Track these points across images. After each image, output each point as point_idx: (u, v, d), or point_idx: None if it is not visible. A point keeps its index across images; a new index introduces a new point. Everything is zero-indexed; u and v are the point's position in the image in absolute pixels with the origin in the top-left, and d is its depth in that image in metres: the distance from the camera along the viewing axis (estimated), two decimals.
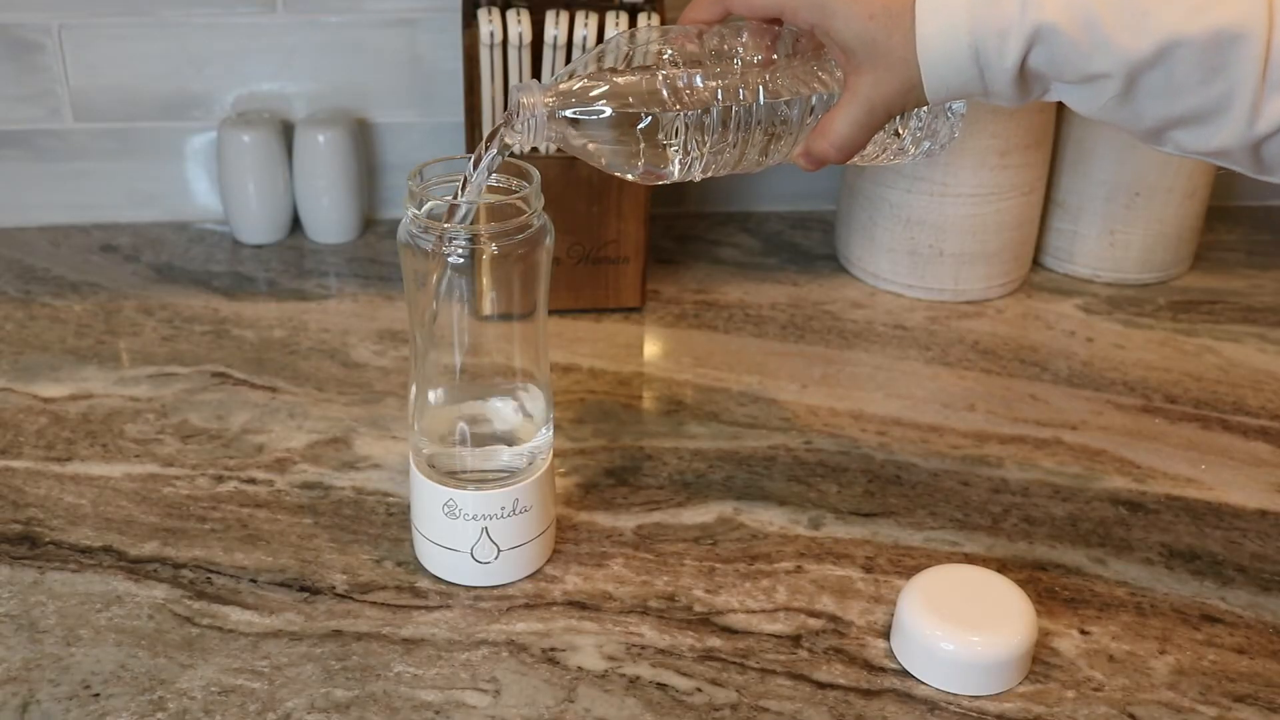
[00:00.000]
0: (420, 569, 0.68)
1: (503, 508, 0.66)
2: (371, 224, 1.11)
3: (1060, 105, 1.00)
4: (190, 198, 1.10)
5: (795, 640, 0.64)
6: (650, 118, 0.59)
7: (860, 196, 1.02)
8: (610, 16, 0.90)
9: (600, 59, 0.61)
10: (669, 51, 0.60)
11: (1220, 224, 1.16)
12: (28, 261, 1.03)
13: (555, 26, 0.89)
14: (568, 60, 0.90)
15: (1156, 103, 0.56)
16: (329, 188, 1.06)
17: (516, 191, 0.65)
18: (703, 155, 0.61)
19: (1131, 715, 0.61)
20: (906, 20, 0.57)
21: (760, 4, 0.61)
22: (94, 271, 1.01)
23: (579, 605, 0.66)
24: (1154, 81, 0.55)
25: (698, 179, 0.63)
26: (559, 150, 0.92)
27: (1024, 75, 0.57)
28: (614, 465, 0.78)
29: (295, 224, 1.09)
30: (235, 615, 0.65)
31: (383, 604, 0.66)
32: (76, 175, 1.08)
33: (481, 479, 0.66)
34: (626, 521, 0.73)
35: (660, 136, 0.60)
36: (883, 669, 0.63)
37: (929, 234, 0.99)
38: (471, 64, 0.91)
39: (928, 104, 0.60)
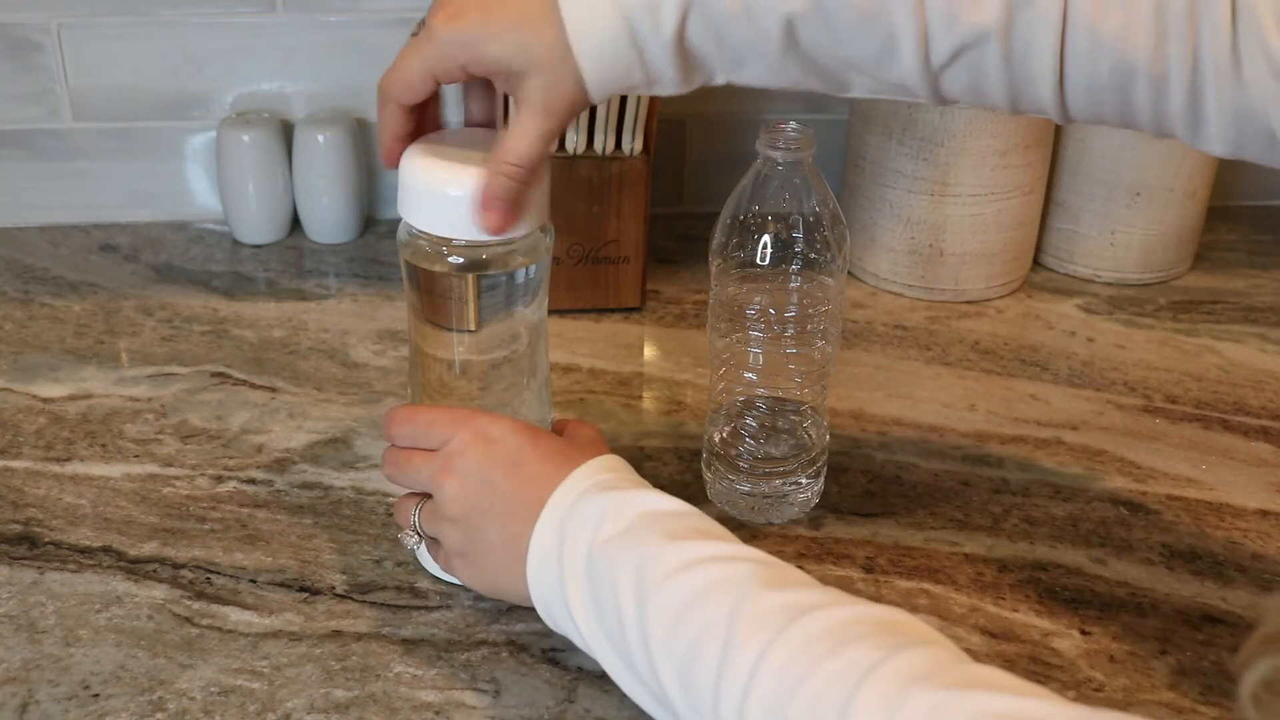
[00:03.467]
0: (420, 569, 0.68)
1: None
2: (371, 224, 1.11)
3: None
4: (190, 197, 1.10)
5: None
6: None
7: (860, 196, 1.02)
8: None
9: None
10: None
11: (1221, 224, 1.16)
12: (27, 261, 1.03)
13: None
14: None
15: (823, 50, 0.56)
16: (329, 188, 1.06)
17: None
18: None
19: None
20: (554, 15, 0.56)
21: (414, 83, 0.59)
22: (93, 271, 1.01)
23: None
24: (815, 31, 0.55)
25: None
26: (559, 150, 0.92)
27: (684, 49, 0.56)
28: None
29: (295, 224, 1.09)
30: (235, 615, 0.65)
31: (382, 604, 0.66)
32: (76, 175, 1.07)
33: None
34: None
35: None
36: None
37: (929, 234, 0.99)
38: None
39: (593, 100, 0.58)
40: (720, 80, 0.59)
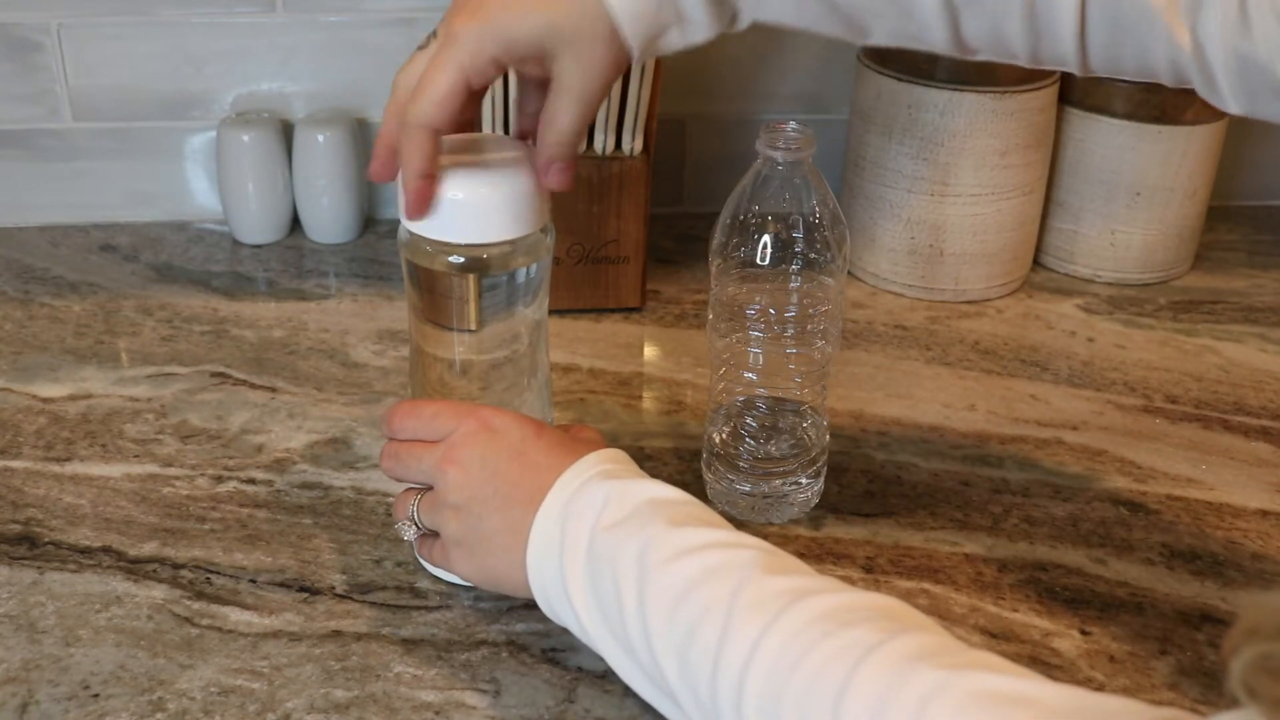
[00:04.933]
0: (420, 569, 0.68)
1: None
2: (371, 224, 1.11)
3: (1060, 105, 1.00)
4: (189, 197, 1.10)
5: None
6: None
7: (860, 196, 1.02)
8: None
9: None
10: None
11: (1221, 224, 1.16)
12: (27, 261, 1.03)
13: None
14: None
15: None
16: (329, 187, 1.06)
17: None
18: None
19: None
20: None
21: (447, 98, 0.58)
22: (93, 271, 1.01)
23: None
24: None
25: None
26: None
27: None
28: None
29: (295, 224, 1.09)
30: (235, 615, 0.65)
31: (382, 604, 0.66)
32: (75, 175, 1.07)
33: None
34: None
35: None
36: None
37: (929, 234, 0.99)
38: None
39: (634, 50, 0.59)
40: (744, 19, 0.60)
